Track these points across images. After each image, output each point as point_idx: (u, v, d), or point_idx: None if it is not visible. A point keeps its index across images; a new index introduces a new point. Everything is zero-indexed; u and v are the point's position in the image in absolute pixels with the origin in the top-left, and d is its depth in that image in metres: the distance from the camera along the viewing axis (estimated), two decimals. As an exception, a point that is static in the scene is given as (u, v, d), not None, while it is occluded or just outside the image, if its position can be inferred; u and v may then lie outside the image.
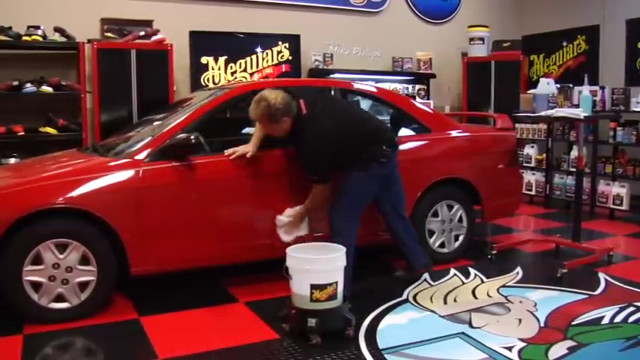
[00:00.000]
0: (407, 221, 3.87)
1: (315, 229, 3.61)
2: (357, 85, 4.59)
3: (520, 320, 3.27)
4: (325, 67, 6.91)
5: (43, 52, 5.69)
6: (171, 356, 2.82)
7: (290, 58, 6.72)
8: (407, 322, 3.26)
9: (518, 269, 4.21)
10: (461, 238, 4.40)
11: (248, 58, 6.53)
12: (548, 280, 3.94)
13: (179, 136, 3.47)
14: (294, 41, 6.75)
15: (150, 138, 3.58)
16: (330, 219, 3.51)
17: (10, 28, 5.33)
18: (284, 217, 3.51)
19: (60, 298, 3.20)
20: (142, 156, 3.44)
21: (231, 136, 4.16)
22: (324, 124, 3.37)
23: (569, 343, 2.95)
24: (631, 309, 3.41)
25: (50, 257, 3.14)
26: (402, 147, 3.85)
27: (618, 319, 3.28)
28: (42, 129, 5.44)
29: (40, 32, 5.37)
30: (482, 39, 7.60)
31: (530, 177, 6.84)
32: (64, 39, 5.53)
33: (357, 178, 3.50)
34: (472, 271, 4.17)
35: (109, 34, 5.77)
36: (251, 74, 6.53)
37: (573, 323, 3.21)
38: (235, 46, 6.47)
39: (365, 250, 3.75)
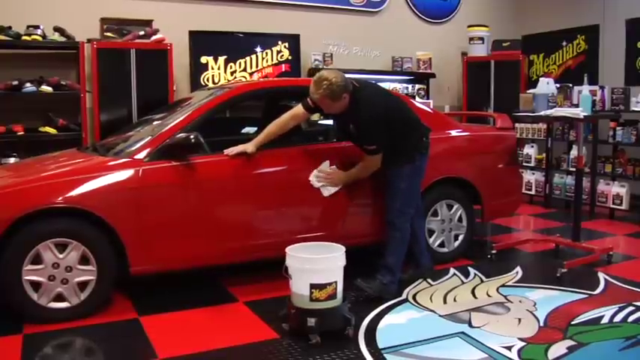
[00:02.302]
0: (424, 221, 4.04)
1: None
2: (356, 85, 4.58)
3: (520, 320, 3.27)
4: (325, 67, 6.91)
5: (43, 52, 5.69)
6: (171, 356, 2.82)
7: (290, 57, 6.72)
8: (406, 322, 3.26)
9: (518, 269, 4.21)
10: (460, 237, 4.40)
11: (248, 58, 6.53)
12: (547, 280, 3.94)
13: (179, 135, 3.46)
14: (293, 41, 6.75)
15: (149, 137, 3.57)
16: (388, 218, 3.65)
17: (10, 27, 5.33)
18: (328, 168, 3.72)
19: (59, 298, 3.20)
20: (141, 155, 3.43)
21: (230, 135, 4.16)
22: (377, 98, 3.54)
23: (569, 343, 2.95)
24: (630, 308, 3.41)
25: (50, 257, 3.14)
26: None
27: (618, 318, 3.29)
28: (42, 129, 5.44)
29: (39, 32, 5.37)
30: (482, 39, 7.60)
31: (530, 177, 6.84)
32: (63, 38, 5.53)
33: (406, 175, 3.62)
34: (472, 270, 4.17)
35: (108, 34, 5.77)
36: (251, 74, 6.53)
37: (573, 323, 3.21)
38: (235, 45, 6.46)
39: (366, 250, 3.75)
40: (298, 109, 3.66)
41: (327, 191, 3.73)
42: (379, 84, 4.33)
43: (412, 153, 3.64)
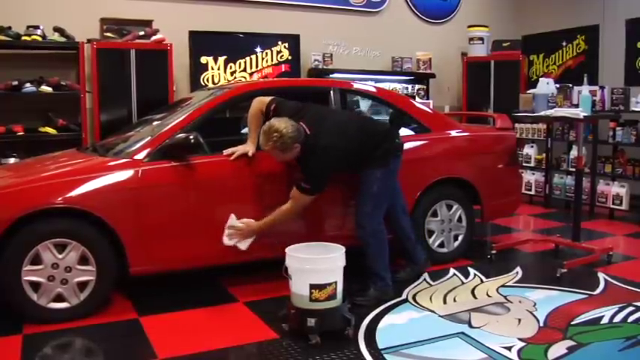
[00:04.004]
0: (410, 218, 3.97)
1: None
2: (356, 85, 4.59)
3: (519, 320, 3.27)
4: (325, 67, 6.91)
5: (43, 52, 5.69)
6: (171, 356, 2.82)
7: (289, 57, 6.72)
8: (406, 322, 3.26)
9: (518, 269, 4.21)
10: (460, 237, 4.40)
11: (247, 58, 6.53)
12: (547, 280, 3.94)
13: (178, 135, 3.47)
14: (293, 41, 6.75)
15: (149, 138, 3.58)
16: (359, 222, 3.56)
17: (10, 27, 5.33)
18: (237, 222, 3.42)
19: (59, 298, 3.20)
20: (141, 156, 3.44)
21: (230, 136, 4.16)
22: (330, 140, 3.34)
23: (569, 343, 2.95)
24: (630, 309, 3.41)
25: (49, 257, 3.14)
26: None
27: (618, 318, 3.28)
28: (42, 129, 5.44)
29: (39, 32, 5.37)
30: (481, 39, 7.61)
31: (530, 177, 6.84)
32: (63, 39, 5.53)
33: (379, 179, 3.53)
34: (471, 270, 4.17)
35: (108, 34, 5.77)
36: (250, 74, 6.53)
37: (573, 323, 3.21)
38: (235, 45, 6.47)
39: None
40: (263, 104, 3.53)
41: (244, 245, 3.43)
42: (379, 84, 4.31)
43: (386, 157, 3.57)
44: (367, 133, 3.59)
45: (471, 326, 3.17)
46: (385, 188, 3.59)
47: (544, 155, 6.72)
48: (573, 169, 6.02)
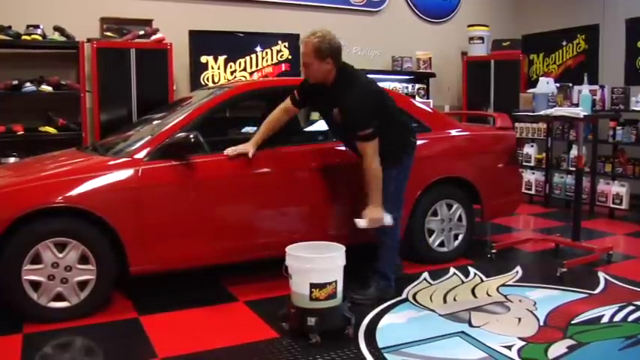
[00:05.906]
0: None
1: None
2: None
3: (520, 319, 3.27)
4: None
5: (43, 52, 5.69)
6: (171, 355, 2.82)
7: (290, 57, 6.72)
8: (406, 321, 3.26)
9: (518, 268, 4.21)
10: (460, 237, 4.40)
11: (247, 58, 6.52)
12: (547, 279, 3.94)
13: (178, 135, 3.47)
14: (293, 40, 6.73)
15: (149, 137, 3.58)
16: None
17: (10, 27, 5.33)
18: (364, 223, 3.37)
19: (59, 297, 3.20)
20: (141, 155, 3.44)
21: (230, 135, 4.16)
22: (367, 79, 3.45)
23: (569, 342, 2.95)
24: (630, 308, 3.41)
25: (49, 256, 3.14)
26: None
27: (618, 318, 3.28)
28: (42, 128, 5.44)
29: (39, 31, 5.37)
30: (481, 38, 7.61)
31: (530, 176, 6.84)
32: (63, 38, 5.53)
33: (395, 178, 3.53)
34: (472, 270, 4.17)
35: (108, 34, 5.77)
36: (250, 73, 6.53)
37: (573, 322, 3.21)
38: (235, 45, 6.46)
39: (363, 250, 3.75)
40: (287, 102, 3.65)
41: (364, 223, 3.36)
42: (379, 83, 4.29)
43: (400, 154, 3.57)
44: (395, 109, 3.65)
45: (471, 325, 3.17)
46: (401, 185, 3.61)
47: (544, 155, 6.72)
48: (573, 169, 6.02)
